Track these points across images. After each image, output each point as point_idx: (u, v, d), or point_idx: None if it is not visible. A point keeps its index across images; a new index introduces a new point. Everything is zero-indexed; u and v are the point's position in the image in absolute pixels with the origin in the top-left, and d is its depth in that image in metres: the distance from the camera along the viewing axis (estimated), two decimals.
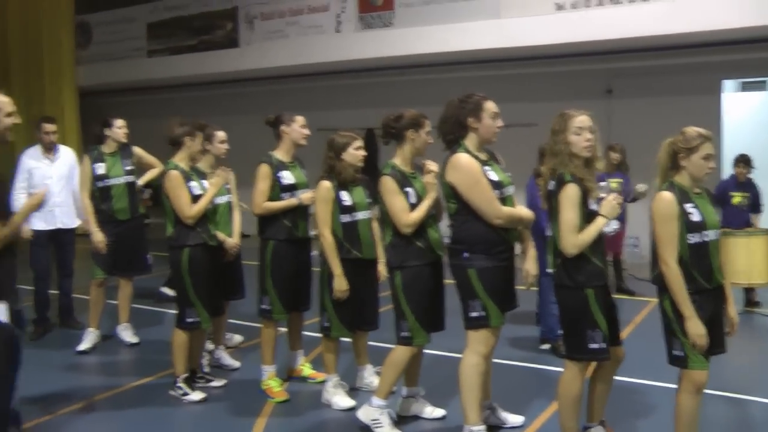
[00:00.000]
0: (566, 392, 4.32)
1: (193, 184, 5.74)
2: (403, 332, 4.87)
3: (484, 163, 4.56)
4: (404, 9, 12.02)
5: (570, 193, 4.09)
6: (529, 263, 4.73)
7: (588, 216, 4.13)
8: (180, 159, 5.79)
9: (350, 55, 12.55)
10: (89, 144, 7.59)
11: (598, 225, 4.13)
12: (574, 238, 4.08)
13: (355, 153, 5.34)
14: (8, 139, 4.27)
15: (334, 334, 5.44)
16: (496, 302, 4.51)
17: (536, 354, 6.80)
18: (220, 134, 6.29)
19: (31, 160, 7.50)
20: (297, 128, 5.80)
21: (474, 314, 4.51)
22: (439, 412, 5.27)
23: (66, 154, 7.73)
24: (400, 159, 4.95)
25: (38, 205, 4.33)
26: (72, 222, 7.70)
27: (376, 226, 5.46)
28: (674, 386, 4.18)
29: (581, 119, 4.22)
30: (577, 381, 4.29)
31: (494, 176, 4.54)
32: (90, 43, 16.85)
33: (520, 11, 10.96)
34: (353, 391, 5.73)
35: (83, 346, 7.19)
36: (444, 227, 4.84)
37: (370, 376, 5.81)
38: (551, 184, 4.21)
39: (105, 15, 16.60)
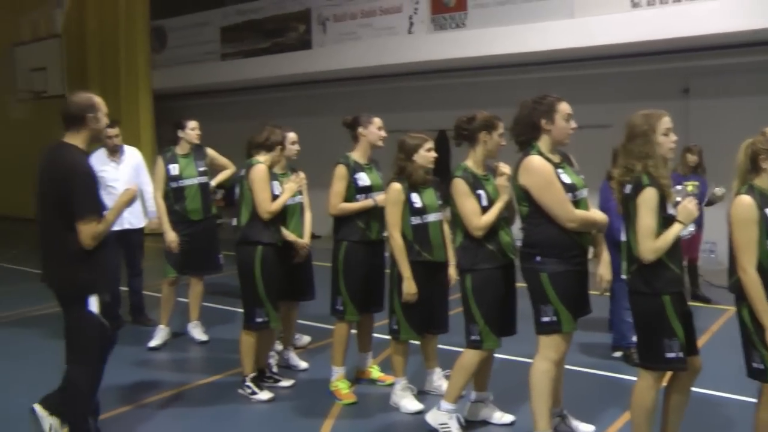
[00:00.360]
0: (640, 403, 4.19)
1: (274, 183, 5.81)
2: (473, 336, 4.82)
3: (557, 165, 4.47)
4: (477, 10, 11.93)
5: (648, 197, 3.97)
6: (602, 268, 4.62)
7: (665, 221, 4.00)
8: (264, 159, 5.82)
9: (422, 57, 12.51)
10: (163, 145, 7.69)
11: (676, 230, 4.00)
12: (651, 244, 3.95)
13: (426, 155, 5.30)
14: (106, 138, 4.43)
15: (403, 337, 5.39)
16: (569, 307, 4.42)
17: (608, 361, 6.65)
18: (292, 135, 6.32)
19: (97, 164, 7.59)
20: (374, 130, 5.78)
21: (545, 319, 4.43)
22: (508, 418, 5.18)
23: (131, 154, 7.85)
24: (472, 161, 4.90)
25: (130, 201, 4.59)
26: (139, 222, 7.82)
27: (446, 228, 5.41)
28: (753, 400, 4.04)
29: (668, 119, 4.10)
30: (652, 391, 4.15)
31: (567, 179, 4.45)
32: (165, 47, 17.18)
33: (594, 10, 10.77)
34: (421, 394, 5.68)
35: (154, 343, 7.31)
36: (516, 230, 4.77)
37: (439, 380, 5.76)
38: (627, 188, 4.08)
39: (179, 20, 16.92)
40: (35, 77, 18.68)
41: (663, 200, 3.99)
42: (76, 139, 4.47)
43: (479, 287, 4.77)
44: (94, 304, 4.41)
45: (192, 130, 7.29)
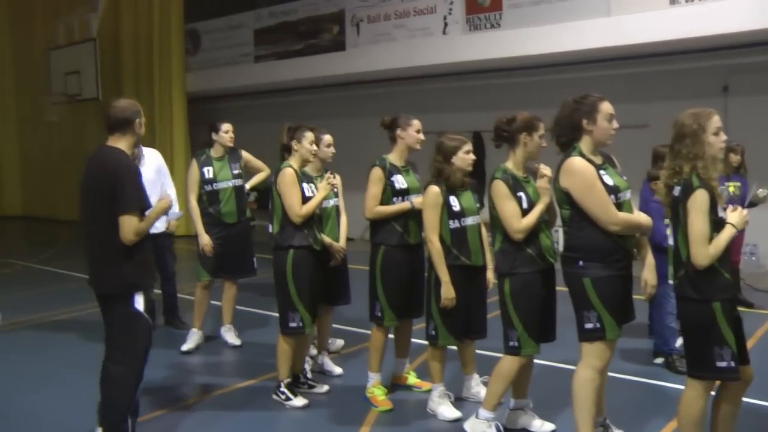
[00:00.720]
0: (688, 413, 4.04)
1: (305, 185, 5.69)
2: (512, 342, 4.71)
3: (599, 166, 4.34)
4: (512, 10, 11.79)
5: (699, 200, 3.82)
6: (647, 272, 4.45)
7: (715, 224, 3.85)
8: (294, 161, 5.73)
9: (457, 57, 12.40)
10: (197, 148, 7.64)
11: (728, 235, 3.85)
12: (706, 249, 3.80)
13: (464, 157, 5.18)
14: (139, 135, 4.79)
15: (441, 342, 5.28)
16: (612, 313, 4.28)
17: (649, 368, 6.46)
18: (327, 138, 6.24)
19: None
20: (412, 133, 5.68)
21: (589, 326, 4.30)
22: (548, 427, 5.05)
23: (151, 157, 7.68)
24: (512, 163, 4.79)
25: (166, 209, 4.79)
26: (161, 225, 7.64)
27: (484, 231, 5.30)
28: None
29: (718, 118, 3.95)
30: (701, 401, 4.01)
31: (610, 180, 4.32)
32: (199, 50, 17.23)
33: (631, 7, 10.57)
34: (459, 401, 5.56)
35: (187, 347, 7.28)
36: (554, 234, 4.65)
37: (477, 386, 5.64)
38: (676, 190, 3.94)
39: (213, 23, 16.95)
40: (70, 81, 18.83)
41: (713, 203, 3.85)
42: (120, 143, 4.65)
43: (518, 292, 4.66)
44: (139, 302, 4.59)
45: (225, 132, 7.24)
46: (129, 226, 4.42)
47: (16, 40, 21.63)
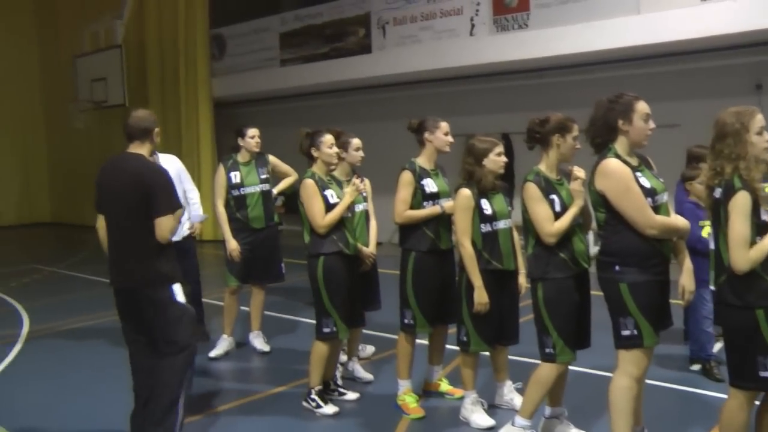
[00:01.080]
0: (730, 423, 3.91)
1: (330, 192, 5.58)
2: (547, 348, 4.60)
3: (635, 168, 4.22)
4: (540, 9, 11.65)
5: (741, 203, 3.69)
6: (685, 278, 4.30)
7: (759, 228, 3.72)
8: (317, 167, 5.66)
9: (485, 59, 12.27)
10: (224, 153, 7.59)
11: None
12: (746, 253, 3.67)
13: (496, 159, 5.09)
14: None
15: (473, 348, 5.18)
16: (650, 320, 4.15)
17: (686, 375, 6.28)
18: (355, 141, 6.16)
19: None
20: (440, 135, 5.57)
21: (626, 333, 4.17)
22: None
23: (169, 162, 7.46)
24: (545, 165, 4.68)
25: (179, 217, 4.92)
26: (185, 229, 7.58)
27: (516, 235, 5.19)
28: None
29: (761, 117, 3.82)
30: (744, 412, 3.87)
31: (647, 182, 4.19)
32: (224, 54, 17.22)
33: (661, 4, 10.38)
34: (492, 408, 5.46)
35: (216, 353, 7.24)
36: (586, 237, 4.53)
37: (510, 393, 5.53)
38: (717, 192, 3.82)
39: (239, 27, 16.91)
40: (96, 87, 18.93)
41: (756, 205, 3.71)
42: (141, 150, 4.94)
43: (552, 297, 4.55)
44: (179, 293, 4.87)
45: (251, 138, 7.19)
46: (166, 226, 4.71)
47: (42, 48, 21.85)
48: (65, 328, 8.81)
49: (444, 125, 5.60)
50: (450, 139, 5.61)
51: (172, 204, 4.78)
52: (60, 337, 8.41)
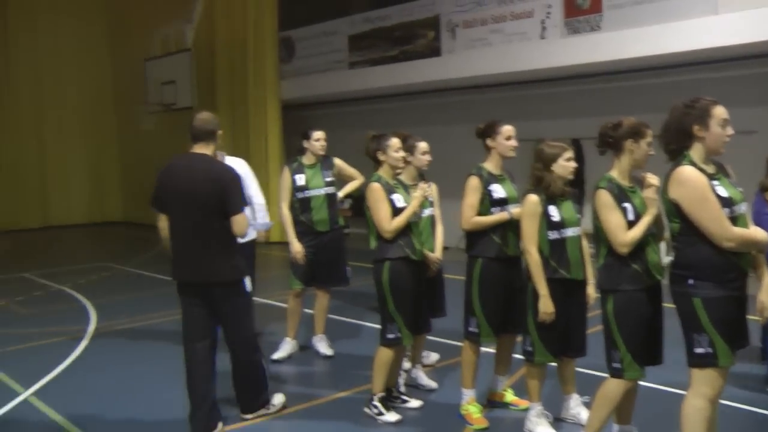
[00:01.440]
0: None
1: (396, 196, 5.49)
2: (615, 363, 4.43)
3: (711, 176, 4.02)
4: (613, 11, 11.38)
5: None
6: (764, 294, 4.07)
7: None
8: (383, 171, 5.58)
9: (556, 62, 12.04)
10: (293, 156, 7.57)
11: None
12: None
13: (565, 164, 4.93)
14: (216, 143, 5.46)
15: (538, 359, 5.04)
16: (725, 338, 3.94)
17: (763, 396, 5.98)
18: (422, 145, 6.06)
19: None
20: (502, 141, 5.45)
21: (699, 350, 3.97)
22: None
23: (235, 166, 7.57)
24: (617, 171, 4.50)
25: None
26: (251, 234, 7.54)
27: (585, 243, 5.03)
28: None
29: None
30: None
31: (724, 192, 3.99)
32: (293, 57, 17.28)
33: (740, 4, 9.99)
34: (558, 421, 5.31)
35: (279, 355, 7.24)
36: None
37: (577, 407, 5.36)
38: None
39: (307, 30, 16.96)
40: (165, 90, 19.23)
41: None
42: (206, 151, 5.29)
43: (622, 310, 4.37)
44: (249, 284, 5.38)
45: (316, 141, 7.13)
46: (242, 222, 5.15)
47: (114, 51, 22.35)
48: (131, 325, 8.96)
49: (506, 130, 5.46)
50: (513, 143, 5.47)
51: (244, 202, 5.23)
52: (125, 334, 8.55)
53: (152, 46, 20.16)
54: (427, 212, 6.06)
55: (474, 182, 5.38)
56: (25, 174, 21.51)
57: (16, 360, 7.64)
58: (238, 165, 7.52)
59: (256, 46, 16.84)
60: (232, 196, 5.13)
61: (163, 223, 5.32)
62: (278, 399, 5.85)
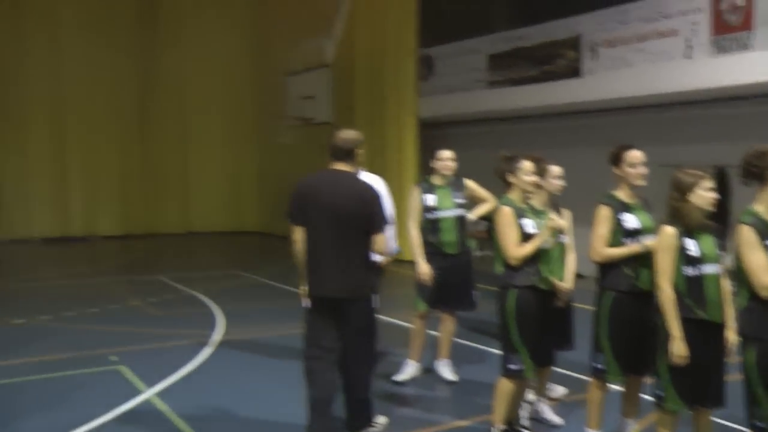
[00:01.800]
0: None
1: (526, 221, 5.32)
2: (757, 421, 4.12)
3: None
4: (765, 28, 10.73)
5: None
6: None
7: None
8: (514, 194, 5.41)
9: (702, 83, 11.45)
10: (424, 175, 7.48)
11: None
12: None
13: (703, 194, 4.55)
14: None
15: (669, 406, 4.64)
16: None
17: None
18: (555, 169, 5.84)
19: None
20: (626, 169, 5.15)
21: None
22: None
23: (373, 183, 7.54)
24: (763, 205, 4.16)
25: None
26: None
27: (726, 283, 4.65)
28: None
29: None
30: None
31: None
32: (432, 75, 17.22)
33: None
34: None
35: (401, 377, 7.16)
36: None
37: None
38: None
39: (447, 48, 16.87)
40: (305, 105, 19.58)
41: None
42: (347, 168, 5.40)
43: (766, 363, 4.02)
44: (377, 300, 5.66)
45: (442, 160, 7.01)
46: (383, 241, 5.29)
47: (257, 65, 22.92)
48: (256, 335, 9.13)
49: (631, 156, 5.14)
50: (639, 170, 5.14)
51: (387, 221, 5.43)
52: (249, 343, 8.71)
53: (293, 61, 20.57)
54: (558, 239, 5.81)
55: (604, 212, 5.11)
56: (169, 181, 22.61)
57: (143, 359, 7.99)
58: (376, 182, 7.51)
59: (396, 63, 16.86)
60: (376, 215, 5.26)
61: (297, 236, 5.36)
62: (382, 419, 5.85)
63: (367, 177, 7.19)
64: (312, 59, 19.79)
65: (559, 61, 14.12)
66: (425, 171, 7.76)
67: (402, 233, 7.85)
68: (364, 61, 17.76)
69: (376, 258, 6.97)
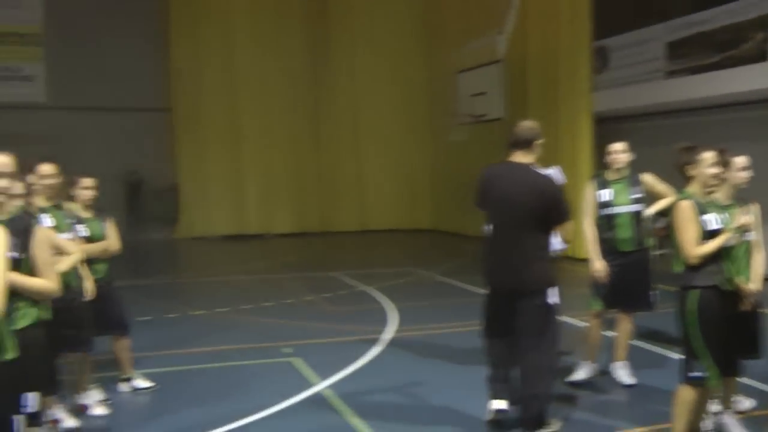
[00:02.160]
0: None
1: (708, 217, 4.95)
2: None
3: None
4: None
5: None
6: None
7: None
8: (694, 188, 5.08)
9: None
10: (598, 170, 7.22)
11: None
12: None
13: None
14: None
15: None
16: None
17: None
18: (740, 160, 5.40)
19: None
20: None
21: None
22: None
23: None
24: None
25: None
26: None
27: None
28: None
29: None
30: None
31: None
32: (607, 67, 16.68)
33: None
34: None
35: (575, 377, 6.96)
36: None
37: None
38: None
39: (622, 38, 16.29)
40: (476, 102, 19.46)
41: None
42: (524, 159, 5.45)
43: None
44: (554, 295, 5.46)
45: (613, 153, 6.79)
46: (569, 231, 5.60)
47: (429, 64, 23.07)
48: (428, 332, 9.12)
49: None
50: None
51: (570, 212, 5.49)
52: (421, 341, 8.71)
53: (464, 58, 20.51)
54: (744, 237, 5.38)
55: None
56: (343, 179, 23.21)
57: (316, 352, 8.15)
58: (555, 173, 7.32)
59: (570, 56, 16.44)
60: (558, 207, 5.38)
61: None
62: (556, 424, 5.67)
63: (545, 169, 7.09)
64: (483, 55, 19.65)
65: (744, 45, 13.27)
66: (600, 167, 7.49)
67: (576, 230, 7.61)
68: (537, 56, 17.46)
69: (557, 247, 6.85)
